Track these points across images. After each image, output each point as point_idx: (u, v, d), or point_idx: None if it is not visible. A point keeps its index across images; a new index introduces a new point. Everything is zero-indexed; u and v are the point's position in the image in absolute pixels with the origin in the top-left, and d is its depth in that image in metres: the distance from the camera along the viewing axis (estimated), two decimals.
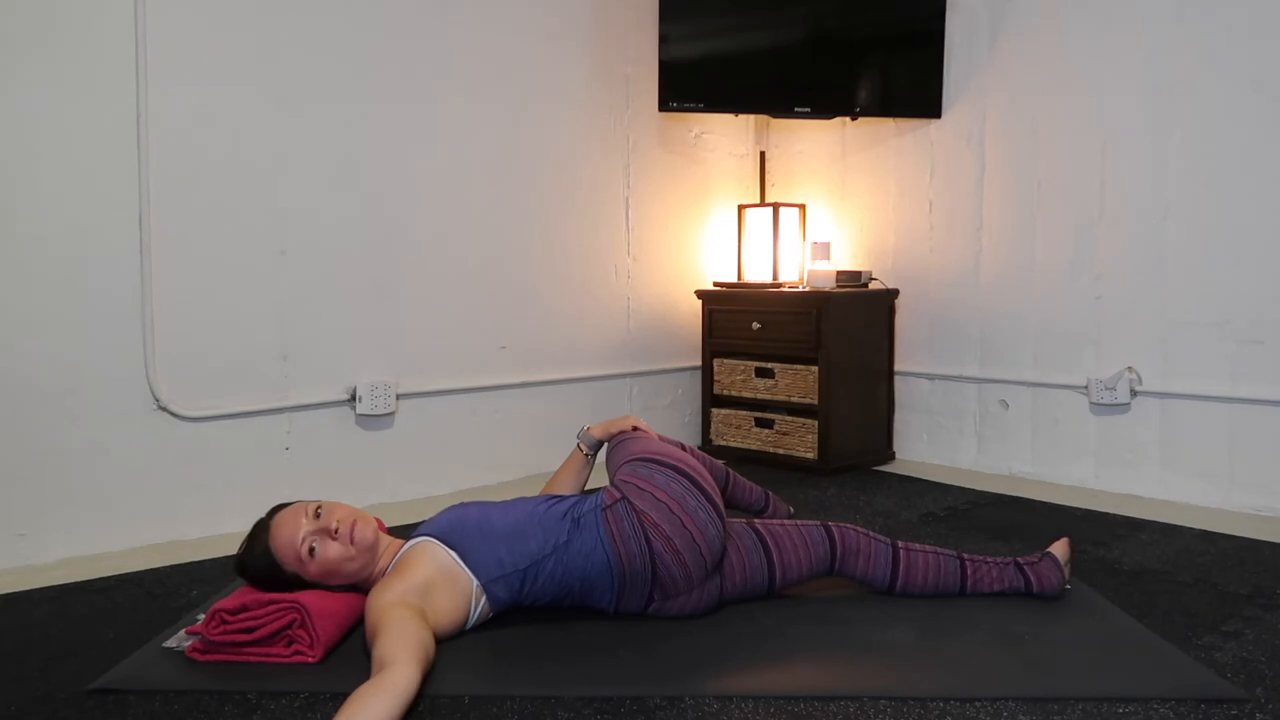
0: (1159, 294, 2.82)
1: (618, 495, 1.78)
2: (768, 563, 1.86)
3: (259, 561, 1.72)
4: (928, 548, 1.95)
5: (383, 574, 1.74)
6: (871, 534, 1.93)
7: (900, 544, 1.93)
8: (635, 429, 2.13)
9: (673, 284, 3.64)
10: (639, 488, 1.77)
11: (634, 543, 1.73)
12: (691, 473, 1.82)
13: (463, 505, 1.86)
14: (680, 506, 1.75)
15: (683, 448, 2.16)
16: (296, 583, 1.72)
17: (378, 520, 1.82)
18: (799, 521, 1.94)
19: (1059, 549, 2.00)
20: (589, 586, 1.76)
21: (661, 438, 2.12)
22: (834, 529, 1.91)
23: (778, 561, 1.86)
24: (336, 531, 1.71)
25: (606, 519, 1.74)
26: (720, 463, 2.28)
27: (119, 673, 1.61)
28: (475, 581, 1.71)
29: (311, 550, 1.70)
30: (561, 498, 1.87)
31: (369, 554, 1.75)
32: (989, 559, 1.95)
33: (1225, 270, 2.69)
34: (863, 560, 1.89)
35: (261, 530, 1.75)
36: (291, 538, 1.70)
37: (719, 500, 1.82)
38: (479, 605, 1.72)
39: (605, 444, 2.17)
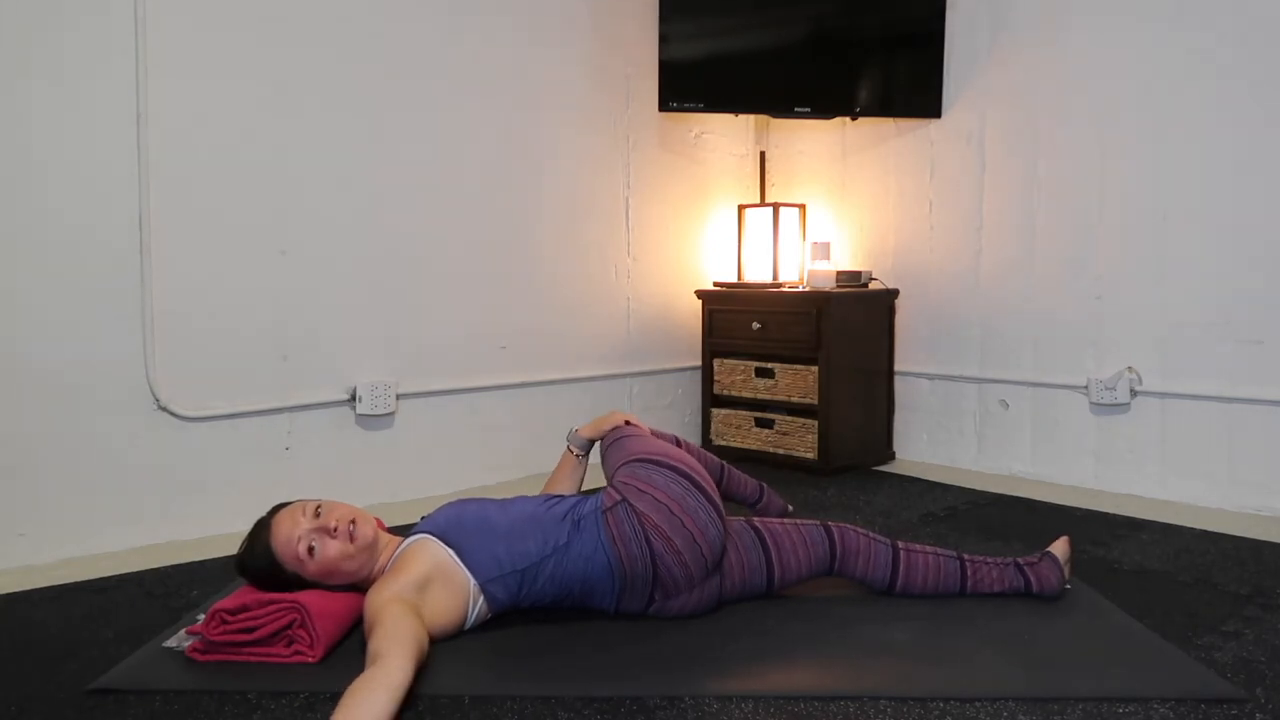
0: (1159, 294, 2.82)
1: (618, 497, 1.78)
2: (766, 562, 1.86)
3: (259, 561, 1.72)
4: (928, 548, 1.95)
5: (382, 571, 1.74)
6: (871, 534, 1.93)
7: (900, 544, 1.93)
8: (627, 424, 2.14)
9: (673, 284, 3.64)
10: (639, 489, 1.77)
11: (634, 544, 1.73)
12: (691, 472, 1.81)
13: (462, 502, 1.86)
14: (680, 507, 1.74)
15: (677, 442, 2.16)
16: (296, 582, 1.72)
17: (377, 519, 1.83)
18: (798, 521, 1.93)
19: (1059, 548, 2.00)
20: (589, 588, 1.76)
21: (655, 432, 2.13)
22: (834, 529, 1.91)
23: (777, 561, 1.86)
24: (335, 530, 1.71)
25: (607, 521, 1.74)
26: (714, 457, 2.29)
27: (119, 673, 1.62)
28: (473, 581, 1.71)
29: (311, 549, 1.70)
30: (561, 498, 1.87)
31: (368, 552, 1.75)
32: (989, 559, 1.95)
33: (1225, 270, 2.69)
34: (862, 561, 1.89)
35: (261, 529, 1.75)
36: (291, 536, 1.71)
37: (718, 499, 1.82)
38: (477, 605, 1.72)
39: (597, 443, 2.18)
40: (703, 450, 2.25)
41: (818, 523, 1.92)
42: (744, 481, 2.35)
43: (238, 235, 2.56)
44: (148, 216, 2.41)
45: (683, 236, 3.67)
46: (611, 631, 1.77)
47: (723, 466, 2.29)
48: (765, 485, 2.40)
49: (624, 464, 1.88)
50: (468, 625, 1.73)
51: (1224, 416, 2.71)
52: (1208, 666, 1.62)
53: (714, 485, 1.85)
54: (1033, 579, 1.92)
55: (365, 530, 1.75)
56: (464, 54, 2.98)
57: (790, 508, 2.45)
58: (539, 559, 1.73)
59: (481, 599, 1.72)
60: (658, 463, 1.83)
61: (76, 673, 1.64)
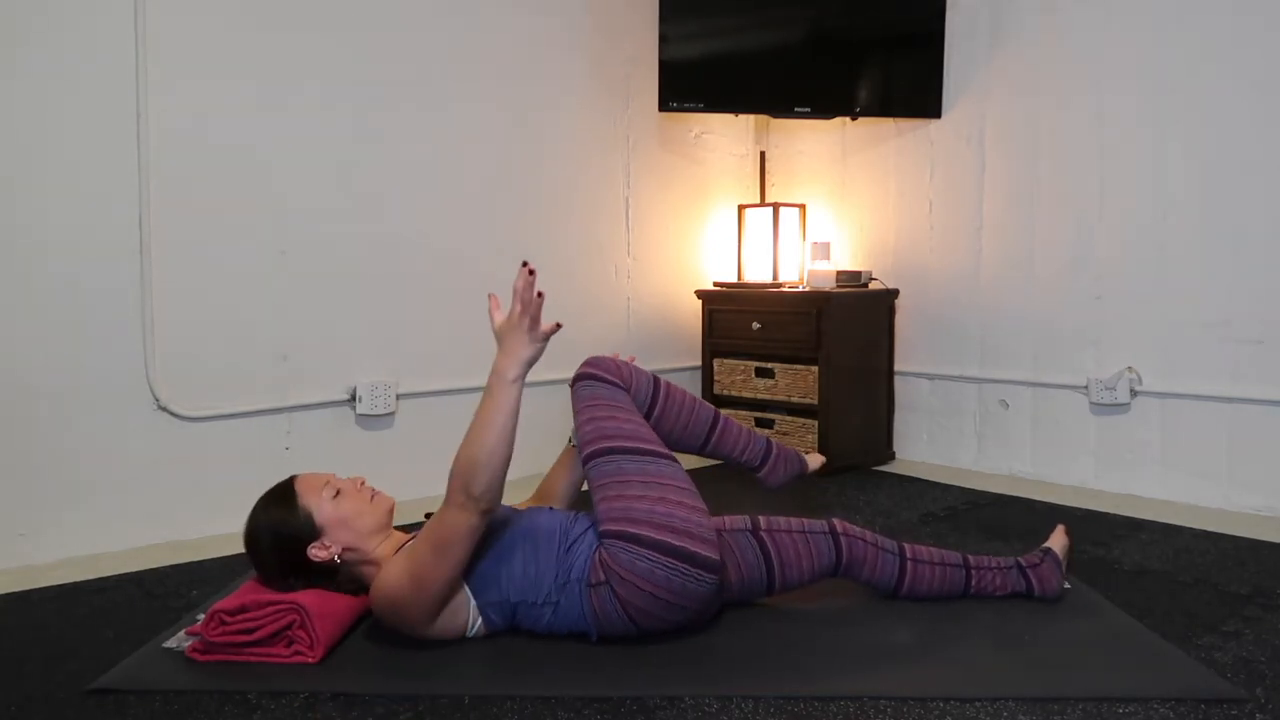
0: (1159, 294, 2.82)
1: (602, 577, 1.68)
2: (768, 574, 1.82)
3: (275, 502, 1.74)
4: (934, 558, 1.91)
5: (385, 560, 1.73)
6: (880, 544, 1.88)
7: (908, 554, 1.89)
8: (600, 381, 1.88)
9: (673, 284, 3.64)
10: (621, 576, 1.67)
11: (617, 619, 1.69)
12: (677, 542, 1.66)
13: None
14: (666, 589, 1.66)
15: (655, 385, 1.93)
16: (304, 530, 1.71)
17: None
18: (806, 526, 1.86)
19: (1057, 541, 2.01)
20: (577, 634, 1.74)
21: (626, 380, 1.90)
22: (842, 540, 1.84)
23: (779, 574, 1.82)
24: (361, 486, 1.79)
25: (590, 598, 1.69)
26: (708, 407, 2.02)
27: (119, 673, 1.62)
28: (472, 601, 1.71)
29: (335, 492, 1.74)
30: (555, 536, 1.76)
31: (382, 518, 1.78)
32: (992, 565, 1.94)
33: (1225, 270, 2.69)
34: (868, 569, 1.86)
35: (290, 479, 1.79)
36: (319, 479, 1.77)
37: (713, 550, 1.69)
38: (475, 623, 1.72)
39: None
40: (692, 398, 1.99)
41: (825, 530, 1.85)
42: (744, 443, 2.05)
43: (238, 235, 2.56)
44: (148, 216, 2.41)
45: (683, 236, 3.67)
46: None
47: (714, 420, 2.01)
48: (774, 449, 2.08)
49: (611, 532, 1.69)
50: (469, 634, 1.73)
51: (1224, 416, 2.71)
52: (1208, 666, 1.62)
53: (709, 532, 1.70)
54: (1034, 581, 1.91)
55: (385, 498, 1.81)
56: (464, 54, 2.98)
57: (808, 463, 2.13)
58: (530, 602, 1.71)
59: (480, 619, 1.72)
60: (640, 540, 1.67)
61: (76, 673, 1.64)
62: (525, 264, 1.63)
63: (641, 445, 1.79)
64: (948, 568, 1.91)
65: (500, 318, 1.73)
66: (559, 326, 1.67)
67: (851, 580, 1.90)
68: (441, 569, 1.62)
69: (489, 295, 1.75)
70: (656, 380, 1.94)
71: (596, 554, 1.70)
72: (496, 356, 1.67)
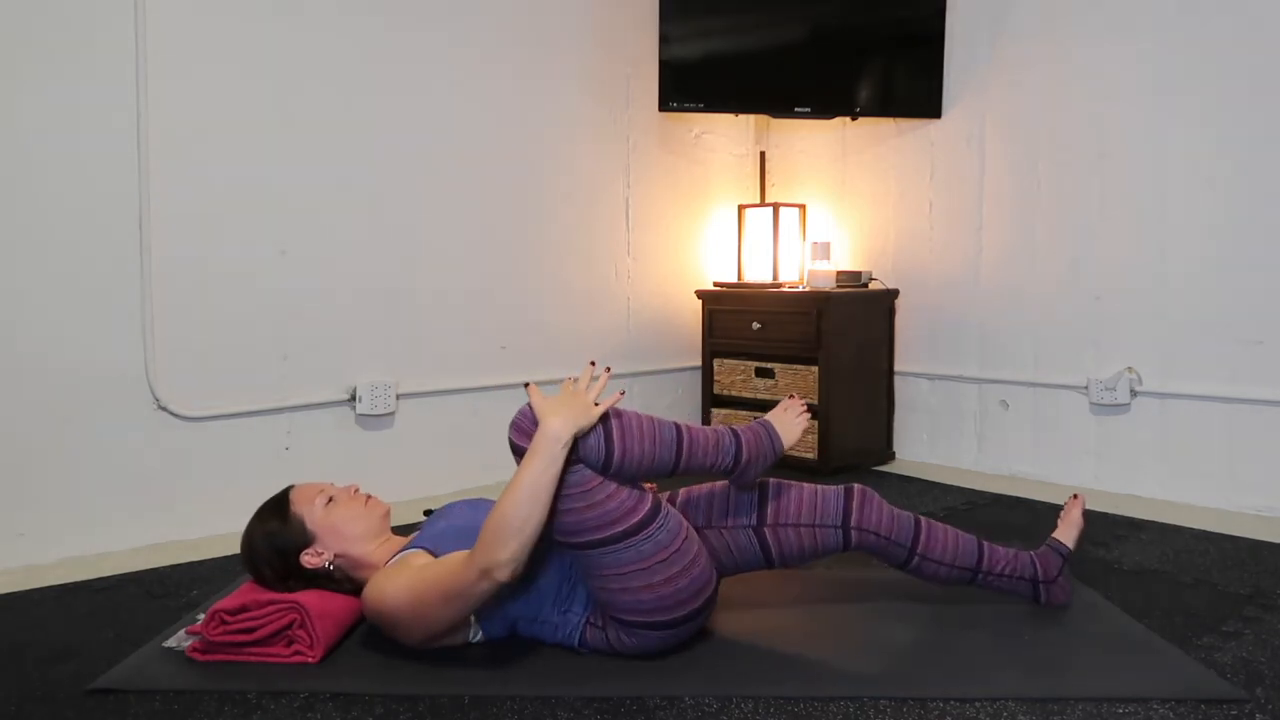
0: (1159, 294, 2.82)
1: (601, 624, 1.67)
2: (766, 563, 1.79)
3: (269, 508, 1.76)
4: (946, 557, 1.82)
5: (381, 565, 1.73)
6: (894, 537, 1.78)
7: (919, 550, 1.80)
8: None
9: (673, 284, 3.64)
10: (620, 637, 1.65)
11: (609, 652, 1.69)
12: (668, 616, 1.61)
13: (469, 507, 1.82)
14: (660, 647, 1.66)
15: (608, 439, 1.59)
16: (297, 537, 1.72)
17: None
18: (818, 517, 1.76)
19: (1069, 529, 1.94)
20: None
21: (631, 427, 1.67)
22: (853, 536, 1.76)
23: (778, 563, 1.79)
24: (354, 492, 1.81)
25: (587, 632, 1.68)
26: (670, 428, 1.67)
27: (119, 673, 1.62)
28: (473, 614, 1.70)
29: (329, 500, 1.76)
30: (560, 554, 1.73)
31: (375, 523, 1.78)
32: (1004, 571, 1.87)
33: (1225, 270, 2.69)
34: (876, 557, 1.83)
35: (286, 489, 1.81)
36: (313, 488, 1.80)
37: (706, 589, 1.65)
38: (476, 635, 1.71)
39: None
40: (650, 425, 1.65)
41: (838, 523, 1.76)
42: (713, 455, 1.72)
43: (238, 235, 2.56)
44: (148, 216, 2.41)
45: (683, 236, 3.67)
46: None
47: (678, 445, 1.66)
48: (744, 453, 1.73)
49: (604, 614, 1.67)
50: (471, 640, 1.73)
51: (1224, 416, 2.71)
52: (1208, 666, 1.62)
53: (702, 571, 1.64)
54: (1044, 596, 1.88)
55: (378, 504, 1.82)
56: (465, 55, 2.98)
57: (782, 445, 1.79)
58: (530, 618, 1.71)
59: (480, 631, 1.71)
60: (634, 624, 1.63)
61: (76, 673, 1.64)
62: (592, 364, 1.73)
63: (608, 533, 1.56)
64: (955, 569, 1.84)
65: (540, 399, 1.61)
66: (623, 395, 1.69)
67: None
68: (446, 616, 1.59)
69: (526, 385, 1.69)
70: (606, 423, 1.61)
71: (596, 602, 1.68)
72: (547, 420, 1.55)
